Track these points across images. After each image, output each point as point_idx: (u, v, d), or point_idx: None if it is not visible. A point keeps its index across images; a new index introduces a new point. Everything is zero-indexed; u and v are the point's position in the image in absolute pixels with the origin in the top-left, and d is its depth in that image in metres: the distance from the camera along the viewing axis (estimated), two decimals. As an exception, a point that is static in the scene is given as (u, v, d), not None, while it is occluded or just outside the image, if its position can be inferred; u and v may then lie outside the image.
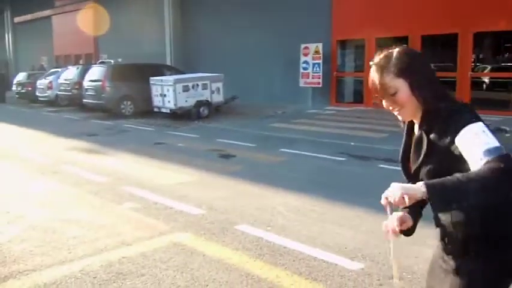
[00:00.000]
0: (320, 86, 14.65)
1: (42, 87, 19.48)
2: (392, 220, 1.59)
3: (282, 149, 8.55)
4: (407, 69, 1.57)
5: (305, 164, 7.48)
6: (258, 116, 13.21)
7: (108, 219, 4.73)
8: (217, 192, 5.75)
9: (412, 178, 1.63)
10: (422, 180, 1.52)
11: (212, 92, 14.31)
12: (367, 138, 9.16)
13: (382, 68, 1.59)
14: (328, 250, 3.81)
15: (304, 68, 15.03)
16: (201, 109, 14.09)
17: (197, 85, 14.27)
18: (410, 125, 1.72)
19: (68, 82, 17.67)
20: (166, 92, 13.97)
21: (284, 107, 14.16)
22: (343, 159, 7.63)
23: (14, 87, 22.02)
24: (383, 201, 1.47)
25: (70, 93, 17.39)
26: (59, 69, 20.43)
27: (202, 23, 19.20)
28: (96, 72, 15.70)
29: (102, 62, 17.13)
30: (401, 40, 11.58)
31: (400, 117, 1.68)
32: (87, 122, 14.00)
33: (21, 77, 22.09)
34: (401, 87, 1.58)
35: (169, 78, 14.30)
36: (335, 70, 15.18)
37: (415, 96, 1.58)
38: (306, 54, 14.97)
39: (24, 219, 4.72)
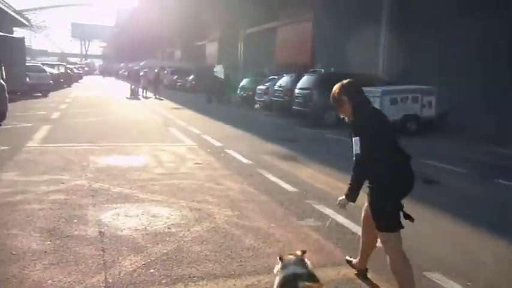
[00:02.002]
0: None
1: (260, 92, 21.15)
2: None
3: (501, 180, 7.13)
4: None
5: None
6: (476, 137, 11.51)
7: (286, 235, 4.53)
8: (414, 224, 5.00)
9: None
10: None
11: (422, 106, 13.14)
12: None
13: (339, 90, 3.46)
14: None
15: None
16: (408, 124, 13.09)
17: (406, 98, 13.32)
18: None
19: (281, 89, 18.71)
20: (373, 103, 13.38)
21: (508, 129, 12.00)
22: None
23: (238, 91, 24.52)
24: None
25: (282, 100, 18.35)
26: (276, 77, 21.88)
27: (416, 33, 17.89)
28: (306, 80, 16.16)
29: (313, 71, 17.52)
30: None
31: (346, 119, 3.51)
32: (291, 128, 14.47)
33: (245, 82, 24.48)
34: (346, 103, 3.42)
35: (377, 89, 13.68)
36: None
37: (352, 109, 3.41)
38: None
39: (211, 218, 4.91)
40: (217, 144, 10.28)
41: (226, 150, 9.34)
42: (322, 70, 17.18)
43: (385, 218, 3.27)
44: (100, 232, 4.36)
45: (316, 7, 25.43)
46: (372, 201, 3.28)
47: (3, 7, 64.02)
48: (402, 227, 3.31)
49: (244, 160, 8.44)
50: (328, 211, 5.31)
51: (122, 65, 65.18)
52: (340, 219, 5.00)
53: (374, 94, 13.49)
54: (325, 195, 6.07)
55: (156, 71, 31.63)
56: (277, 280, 2.61)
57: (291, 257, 2.69)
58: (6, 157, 7.78)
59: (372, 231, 3.45)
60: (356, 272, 3.73)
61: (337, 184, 6.79)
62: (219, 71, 29.87)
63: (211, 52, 47.66)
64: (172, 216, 4.92)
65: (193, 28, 45.16)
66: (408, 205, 5.53)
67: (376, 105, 13.11)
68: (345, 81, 3.49)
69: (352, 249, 4.18)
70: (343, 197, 3.35)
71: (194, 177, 6.86)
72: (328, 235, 4.58)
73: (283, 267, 2.63)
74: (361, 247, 3.72)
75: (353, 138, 3.20)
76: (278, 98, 18.94)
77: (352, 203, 3.36)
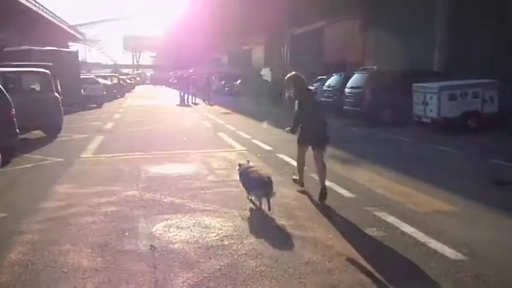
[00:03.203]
0: None
1: (308, 93, 20.74)
2: None
3: None
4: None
5: None
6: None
7: (347, 247, 4.18)
8: (485, 231, 4.53)
9: None
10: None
11: (484, 101, 12.25)
12: None
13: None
14: None
15: None
16: (469, 121, 12.24)
17: (466, 93, 12.47)
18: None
19: (330, 89, 18.24)
20: (429, 100, 12.68)
21: None
22: None
23: (286, 93, 24.20)
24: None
25: (331, 100, 17.86)
26: (325, 77, 21.38)
27: (475, 22, 16.83)
28: (357, 79, 15.60)
29: (364, 69, 16.91)
30: None
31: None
32: (343, 129, 13.97)
33: (292, 83, 24.12)
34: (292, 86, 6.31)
35: (434, 85, 12.91)
36: None
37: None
38: None
39: (265, 229, 4.64)
40: (268, 148, 10.02)
41: (278, 155, 9.06)
42: (374, 67, 16.52)
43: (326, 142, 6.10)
44: (151, 246, 4.21)
45: (366, 3, 24.69)
46: (318, 135, 6.07)
47: (57, 23, 67.26)
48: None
49: (296, 164, 8.10)
50: (390, 219, 4.90)
51: (171, 73, 66.61)
52: (406, 228, 4.58)
53: (430, 90, 12.77)
54: (386, 201, 5.64)
55: (205, 76, 31.89)
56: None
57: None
58: (61, 169, 7.90)
59: (304, 158, 6.46)
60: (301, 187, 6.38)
61: (399, 188, 6.35)
62: (266, 74, 29.70)
63: (258, 56, 47.66)
64: (224, 227, 4.70)
65: (239, 33, 45.37)
66: (479, 209, 5.01)
67: (433, 102, 12.55)
68: (292, 73, 6.39)
69: (422, 263, 3.77)
70: (289, 128, 6.44)
71: (246, 185, 6.63)
72: (394, 245, 4.18)
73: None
74: (298, 170, 6.59)
75: (296, 103, 6.27)
76: (327, 98, 18.44)
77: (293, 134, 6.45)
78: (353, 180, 6.82)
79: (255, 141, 11.05)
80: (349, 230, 4.62)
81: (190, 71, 44.24)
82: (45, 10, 58.48)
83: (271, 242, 4.28)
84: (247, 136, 11.79)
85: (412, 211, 5.26)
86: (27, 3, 47.74)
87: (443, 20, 18.26)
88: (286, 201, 5.71)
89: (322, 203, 5.59)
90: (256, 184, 5.25)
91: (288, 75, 6.42)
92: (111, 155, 9.43)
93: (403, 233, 4.48)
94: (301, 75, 6.35)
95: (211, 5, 36.06)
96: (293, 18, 34.53)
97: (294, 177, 6.69)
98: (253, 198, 5.43)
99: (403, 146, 10.49)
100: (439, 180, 6.76)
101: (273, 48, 41.10)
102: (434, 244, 4.21)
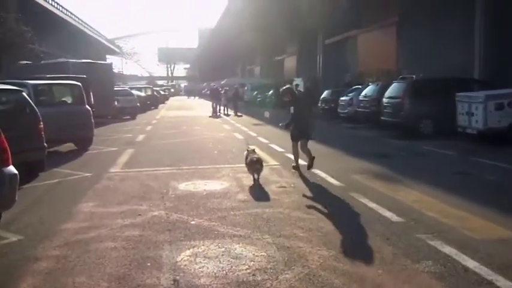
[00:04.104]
0: None
1: (343, 103, 20.06)
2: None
3: None
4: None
5: None
6: None
7: (401, 286, 3.59)
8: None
9: None
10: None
11: (535, 111, 11.36)
12: None
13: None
14: None
15: None
16: (518, 132, 11.40)
17: (515, 102, 11.63)
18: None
19: (367, 99, 17.54)
20: (475, 110, 11.89)
21: None
22: None
23: (319, 104, 23.59)
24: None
25: (368, 110, 17.18)
26: (360, 86, 20.67)
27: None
28: (395, 88, 14.89)
29: (403, 78, 16.14)
30: None
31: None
32: (381, 141, 13.28)
33: (325, 94, 23.50)
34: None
35: (480, 94, 12.13)
36: None
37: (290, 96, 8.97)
38: None
39: (303, 261, 4.09)
40: (302, 163, 9.46)
41: (312, 170, 8.50)
42: (413, 77, 15.73)
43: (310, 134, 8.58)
44: (174, 281, 3.73)
45: (401, 10, 23.87)
46: (306, 131, 8.52)
47: (96, 36, 69.15)
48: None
49: (334, 181, 7.54)
50: (448, 249, 4.27)
51: (204, 84, 67.11)
52: (468, 262, 3.95)
53: (475, 100, 11.98)
54: (439, 227, 5.00)
55: (235, 87, 31.65)
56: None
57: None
58: (87, 185, 7.60)
59: (297, 149, 8.54)
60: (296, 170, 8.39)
61: (450, 210, 5.69)
62: (298, 84, 29.16)
63: (290, 66, 47.20)
64: (256, 258, 4.18)
65: (272, 43, 45.09)
66: None
67: (479, 112, 11.71)
68: (286, 86, 9.35)
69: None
70: (283, 124, 9.05)
71: (280, 205, 6.11)
72: (456, 285, 3.57)
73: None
74: (295, 159, 8.69)
75: (290, 108, 8.65)
76: (364, 108, 17.77)
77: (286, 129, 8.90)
78: (398, 201, 6.18)
79: (288, 154, 10.50)
80: (401, 265, 4.01)
81: (223, 82, 44.25)
82: (84, 24, 60.37)
83: (312, 278, 3.72)
84: (280, 149, 11.27)
85: (471, 239, 4.60)
86: (67, 18, 49.39)
87: (482, 27, 17.29)
88: (325, 226, 5.15)
89: (309, 170, 8.34)
90: (248, 163, 7.61)
91: (283, 88, 9.22)
92: (140, 169, 9.11)
93: (466, 269, 3.84)
94: (293, 87, 10.28)
95: (244, 16, 35.92)
96: (325, 28, 33.97)
97: (293, 164, 8.71)
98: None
99: (448, 160, 9.73)
100: (494, 200, 6.07)
101: (306, 58, 40.57)
102: (503, 283, 3.57)
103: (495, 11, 16.96)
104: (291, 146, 9.89)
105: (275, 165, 9.38)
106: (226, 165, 9.27)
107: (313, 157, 8.41)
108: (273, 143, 12.45)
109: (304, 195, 6.73)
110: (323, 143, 12.78)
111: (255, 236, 4.79)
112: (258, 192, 6.87)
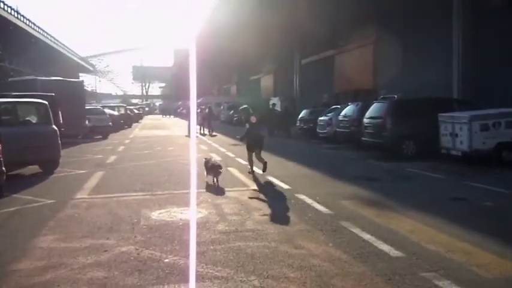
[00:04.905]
0: None
1: (322, 123, 19.72)
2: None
3: None
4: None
5: None
6: None
7: None
8: None
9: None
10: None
11: (520, 132, 11.19)
12: None
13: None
14: None
15: None
16: (504, 153, 11.20)
17: (499, 123, 11.46)
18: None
19: (347, 119, 17.22)
20: (459, 131, 11.64)
21: None
22: None
23: (297, 123, 23.24)
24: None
25: (348, 130, 16.86)
26: (339, 106, 20.40)
27: (498, 45, 15.91)
28: (377, 108, 14.58)
29: (384, 98, 15.91)
30: None
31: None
32: (364, 163, 12.86)
33: (304, 113, 23.16)
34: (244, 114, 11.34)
35: (464, 115, 11.88)
36: None
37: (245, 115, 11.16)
38: None
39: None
40: (285, 186, 8.94)
41: (297, 195, 7.96)
42: (395, 96, 15.51)
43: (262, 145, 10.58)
44: None
45: (377, 30, 23.95)
46: (259, 143, 10.51)
47: (69, 54, 67.77)
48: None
49: (321, 208, 6.99)
50: (459, 292, 3.75)
51: (179, 103, 66.30)
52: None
53: (459, 120, 11.73)
54: (444, 263, 4.48)
55: (208, 106, 31.06)
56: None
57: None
58: (48, 215, 6.83)
59: (252, 157, 10.47)
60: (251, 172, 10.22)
61: (452, 242, 5.21)
62: (275, 103, 28.85)
63: (267, 85, 47.08)
64: (243, 308, 3.56)
65: (248, 63, 44.97)
66: None
67: (464, 133, 11.46)
68: (243, 106, 11.34)
69: None
70: (239, 137, 11.20)
71: (264, 237, 5.51)
72: None
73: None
74: (250, 165, 10.55)
75: (246, 124, 10.83)
76: (343, 129, 17.43)
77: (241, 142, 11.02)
78: (393, 231, 5.66)
79: (269, 177, 9.97)
80: (410, 314, 3.46)
81: (199, 101, 43.63)
82: (56, 42, 59.09)
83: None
84: (259, 171, 10.68)
85: (481, 278, 4.11)
86: (38, 35, 48.14)
87: (462, 46, 17.33)
88: (317, 263, 4.57)
89: (264, 172, 10.17)
90: (209, 168, 9.09)
91: (242, 107, 11.38)
92: (109, 195, 8.37)
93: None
94: (249, 108, 11.12)
95: (219, 36, 35.63)
96: (302, 48, 33.98)
97: (249, 171, 10.47)
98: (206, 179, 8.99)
99: (438, 184, 9.33)
100: (496, 229, 5.66)
101: (283, 77, 40.48)
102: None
103: (472, 30, 17.05)
104: (270, 167, 10.67)
105: (255, 190, 8.79)
106: (204, 190, 8.62)
107: (266, 162, 10.28)
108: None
109: (291, 225, 6.15)
110: (305, 164, 12.31)
111: (239, 278, 4.17)
112: (240, 222, 6.25)
